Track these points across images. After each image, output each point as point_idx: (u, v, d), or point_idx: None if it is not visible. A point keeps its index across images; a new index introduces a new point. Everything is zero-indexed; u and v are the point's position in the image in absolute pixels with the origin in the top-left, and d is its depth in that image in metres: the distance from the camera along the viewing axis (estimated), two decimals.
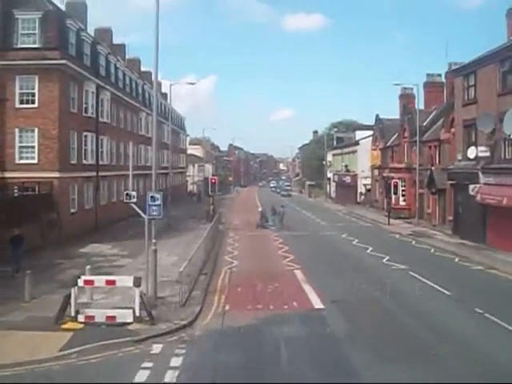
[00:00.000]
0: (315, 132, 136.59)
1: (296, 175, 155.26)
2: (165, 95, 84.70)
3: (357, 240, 34.00)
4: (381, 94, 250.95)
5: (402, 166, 51.11)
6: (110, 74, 41.51)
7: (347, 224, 46.12)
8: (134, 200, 17.15)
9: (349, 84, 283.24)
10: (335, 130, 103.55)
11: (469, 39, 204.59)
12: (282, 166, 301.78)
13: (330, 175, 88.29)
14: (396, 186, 45.30)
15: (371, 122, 72.19)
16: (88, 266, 16.84)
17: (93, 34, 42.24)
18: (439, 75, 54.49)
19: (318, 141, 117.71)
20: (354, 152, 69.93)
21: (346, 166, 73.02)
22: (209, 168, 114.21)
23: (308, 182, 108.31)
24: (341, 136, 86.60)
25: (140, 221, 18.88)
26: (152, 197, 16.90)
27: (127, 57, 59.43)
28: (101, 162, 38.07)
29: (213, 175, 41.81)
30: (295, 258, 27.03)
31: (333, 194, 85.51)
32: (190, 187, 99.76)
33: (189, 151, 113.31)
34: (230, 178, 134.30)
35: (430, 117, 50.38)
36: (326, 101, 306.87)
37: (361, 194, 67.90)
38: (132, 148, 29.56)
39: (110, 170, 40.47)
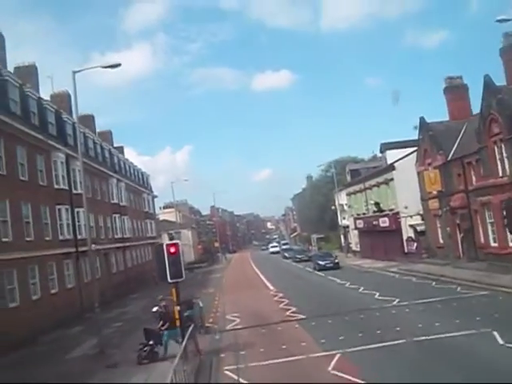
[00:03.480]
0: (309, 177, 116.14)
1: (292, 231, 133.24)
2: (120, 149, 64.50)
3: None
4: (372, 129, 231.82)
5: (504, 181, 30.04)
6: None
7: (466, 307, 22.21)
8: None
9: (328, 131, 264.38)
10: (333, 171, 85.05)
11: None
12: (269, 225, 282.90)
13: (346, 222, 66.90)
14: None
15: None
16: None
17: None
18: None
19: (315, 186, 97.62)
20: (388, 181, 48.60)
21: (376, 203, 51.57)
22: (188, 234, 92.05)
23: (315, 236, 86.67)
24: (356, 168, 65.55)
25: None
26: None
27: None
28: None
29: (171, 241, 18.19)
30: None
31: (355, 247, 63.73)
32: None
33: (161, 217, 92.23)
34: (216, 244, 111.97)
35: None
36: (305, 153, 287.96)
37: (410, 240, 46.19)
38: None
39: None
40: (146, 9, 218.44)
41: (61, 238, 32.52)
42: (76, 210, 36.04)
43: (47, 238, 30.25)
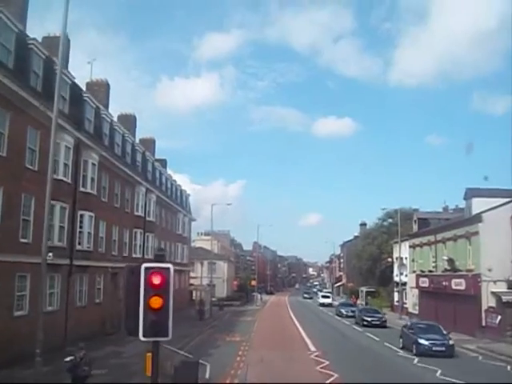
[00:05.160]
0: (363, 225, 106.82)
1: (337, 280, 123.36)
2: (163, 161, 57.71)
3: None
4: (423, 189, 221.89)
5: None
6: None
7: None
8: None
9: (385, 183, 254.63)
10: (390, 220, 78.11)
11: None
12: (311, 271, 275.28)
13: (404, 278, 57.56)
14: None
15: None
16: None
17: None
18: None
19: (368, 235, 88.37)
20: (470, 236, 39.41)
21: (450, 260, 42.38)
22: (223, 267, 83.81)
23: (364, 289, 77.21)
24: (425, 217, 56.43)
25: None
26: None
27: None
28: None
29: (157, 264, 8.98)
30: None
31: (412, 308, 54.25)
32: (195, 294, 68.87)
33: (198, 244, 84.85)
34: (254, 283, 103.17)
35: None
36: (358, 201, 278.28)
37: (492, 311, 36.79)
38: None
39: None
40: (218, 40, 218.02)
41: (48, 243, 24.89)
42: (80, 212, 28.62)
43: (24, 240, 22.61)
